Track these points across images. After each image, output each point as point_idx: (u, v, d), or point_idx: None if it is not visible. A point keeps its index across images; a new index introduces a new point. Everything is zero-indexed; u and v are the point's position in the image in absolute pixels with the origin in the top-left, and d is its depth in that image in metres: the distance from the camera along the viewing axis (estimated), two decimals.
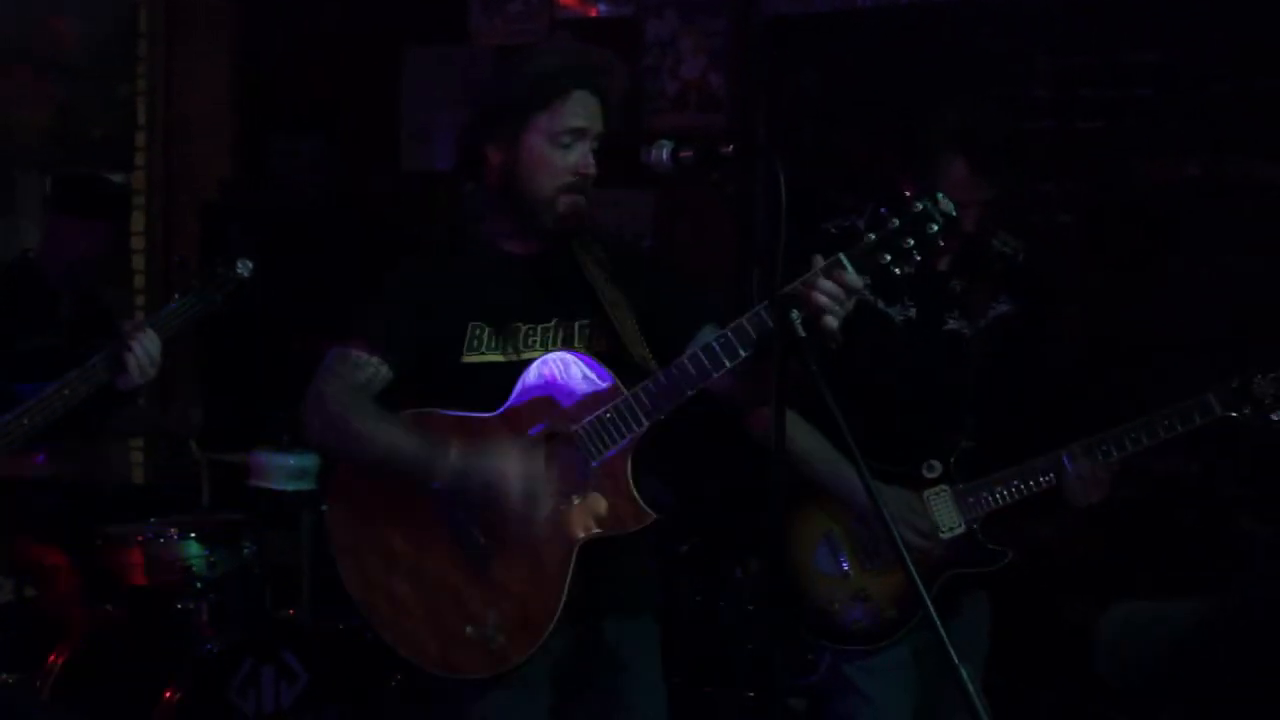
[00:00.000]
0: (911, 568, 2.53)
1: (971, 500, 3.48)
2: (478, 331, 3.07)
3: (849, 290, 2.79)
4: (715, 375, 2.94)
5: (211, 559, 4.55)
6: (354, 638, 4.55)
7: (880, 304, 3.49)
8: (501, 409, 3.04)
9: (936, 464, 3.50)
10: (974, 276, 3.56)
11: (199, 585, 4.51)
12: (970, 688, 2.40)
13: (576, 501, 3.03)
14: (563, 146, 3.02)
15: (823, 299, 2.76)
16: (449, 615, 3.04)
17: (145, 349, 3.46)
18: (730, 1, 5.68)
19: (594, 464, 3.03)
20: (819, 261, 2.81)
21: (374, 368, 3.02)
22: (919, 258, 2.85)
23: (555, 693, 3.14)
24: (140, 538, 4.54)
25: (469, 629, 3.02)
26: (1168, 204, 4.91)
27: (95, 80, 6.77)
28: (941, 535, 3.47)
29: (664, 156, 2.90)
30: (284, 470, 4.76)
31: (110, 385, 3.45)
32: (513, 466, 2.94)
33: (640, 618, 3.24)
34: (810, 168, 5.21)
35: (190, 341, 6.28)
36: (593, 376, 3.07)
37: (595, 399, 3.05)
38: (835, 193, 4.95)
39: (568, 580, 3.02)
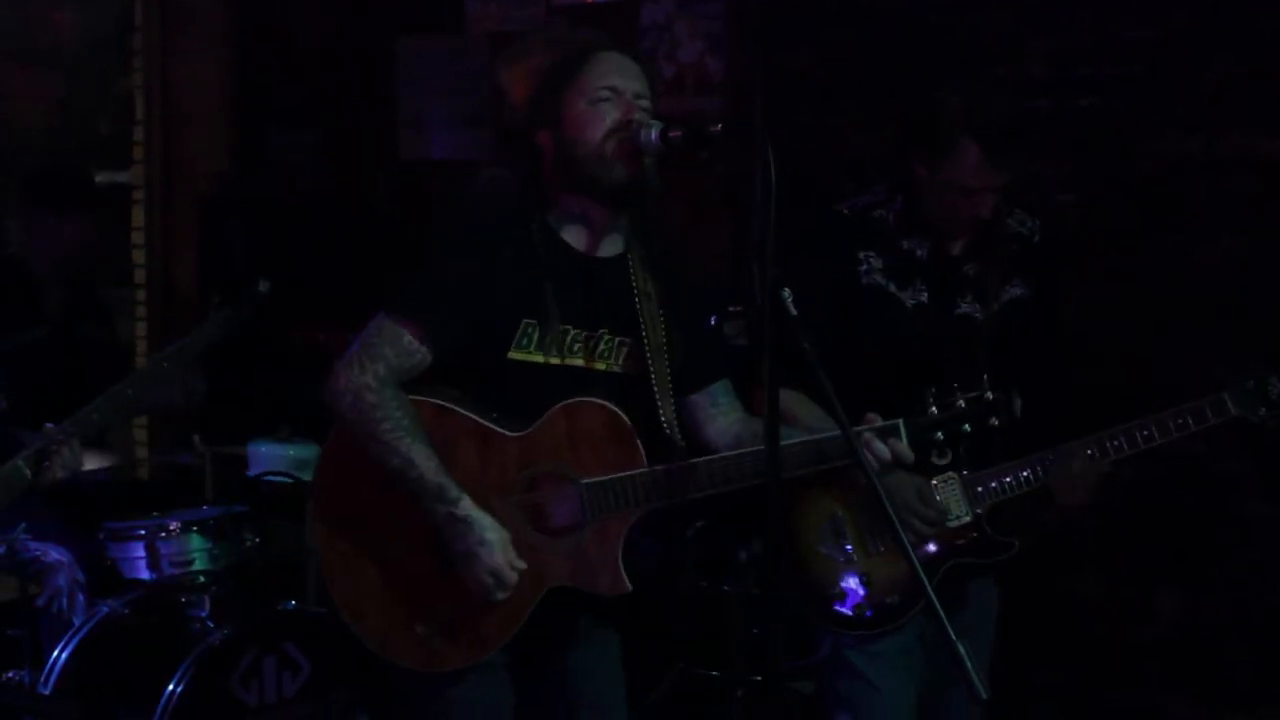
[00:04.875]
0: (913, 555, 2.53)
1: (980, 489, 3.41)
2: (529, 329, 3.01)
3: (898, 460, 2.96)
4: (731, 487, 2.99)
5: (214, 552, 4.53)
6: None
7: (892, 287, 3.44)
8: (524, 432, 2.99)
9: (947, 450, 3.46)
10: (988, 260, 3.50)
11: (202, 578, 4.50)
12: (968, 664, 2.39)
13: (561, 548, 3.00)
14: (602, 101, 2.98)
15: (870, 460, 2.90)
16: (403, 603, 3.01)
17: (67, 459, 3.44)
18: None
19: (588, 520, 3.00)
20: (876, 420, 2.96)
21: (421, 356, 2.97)
22: (969, 444, 3.07)
23: (511, 668, 3.11)
24: (143, 531, 4.53)
25: (419, 626, 3.00)
26: (1167, 182, 4.87)
27: (95, 75, 6.78)
28: (949, 523, 3.41)
29: (653, 137, 2.90)
30: (284, 460, 4.76)
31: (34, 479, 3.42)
32: (494, 559, 2.91)
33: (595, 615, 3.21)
34: (806, 150, 5.17)
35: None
36: (621, 438, 3.03)
37: (613, 461, 3.02)
38: (832, 175, 4.95)
39: (527, 616, 3.00)
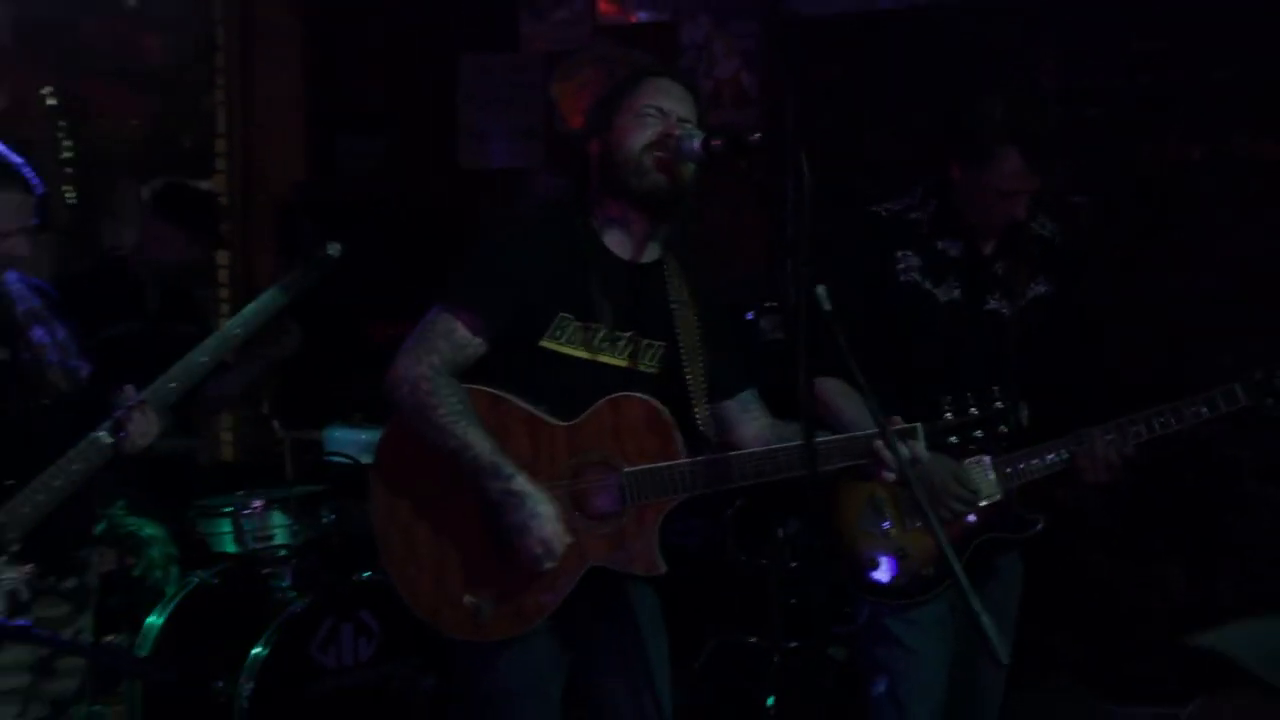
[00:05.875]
0: (941, 534, 2.54)
1: (1009, 470, 3.39)
2: (563, 322, 3.00)
3: (915, 460, 2.91)
4: (766, 479, 2.98)
5: (294, 528, 4.57)
6: None
7: (927, 284, 3.42)
8: (571, 423, 2.99)
9: (978, 434, 3.45)
10: (1015, 260, 3.48)
11: (283, 552, 4.53)
12: (990, 632, 2.39)
13: (601, 530, 3.00)
14: (648, 116, 2.98)
15: (890, 458, 2.88)
16: (454, 577, 3.00)
17: (140, 425, 3.35)
18: (760, 5, 5.64)
19: (628, 506, 3.00)
20: (898, 422, 2.91)
21: (475, 347, 2.97)
22: (980, 450, 3.04)
23: (566, 640, 3.11)
24: (229, 509, 4.57)
25: (467, 597, 2.99)
26: (1174, 184, 4.84)
27: (181, 93, 6.81)
28: (980, 502, 3.40)
29: (695, 146, 2.89)
30: (358, 444, 4.77)
31: (116, 447, 3.35)
32: (545, 530, 2.89)
33: (642, 590, 3.18)
34: (833, 157, 5.16)
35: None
36: (661, 431, 3.02)
37: (653, 452, 3.01)
38: (857, 179, 4.93)
39: (568, 592, 2.99)
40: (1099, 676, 4.96)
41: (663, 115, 2.99)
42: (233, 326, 3.63)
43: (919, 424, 2.96)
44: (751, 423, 3.17)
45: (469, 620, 3.00)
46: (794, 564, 4.78)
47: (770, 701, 4.77)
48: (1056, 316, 3.53)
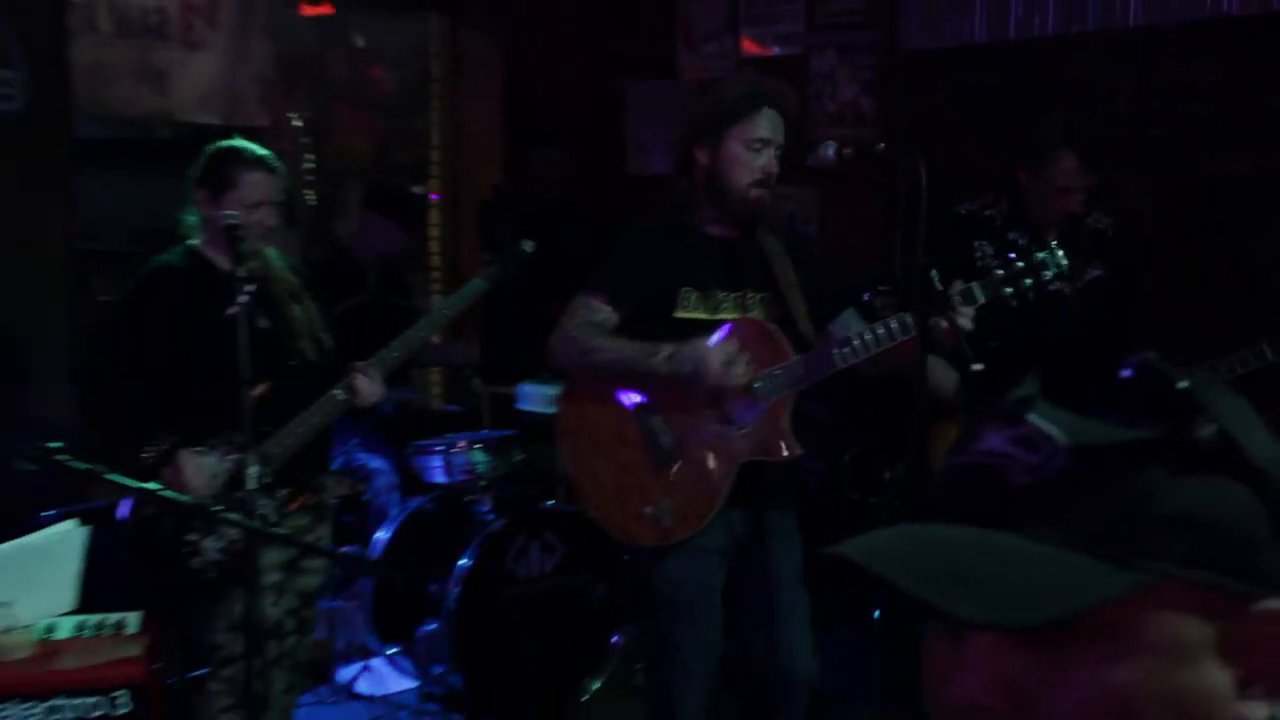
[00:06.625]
0: None
1: None
2: (687, 294, 3.15)
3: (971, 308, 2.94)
4: (861, 360, 3.04)
5: (493, 464, 4.66)
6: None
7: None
8: None
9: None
10: (1074, 248, 3.51)
11: (483, 483, 4.63)
12: None
13: (743, 431, 3.11)
14: (754, 151, 3.10)
15: (957, 318, 2.94)
16: (633, 496, 3.13)
17: (366, 386, 3.44)
18: (878, 40, 5.70)
19: (763, 406, 3.10)
20: (958, 285, 2.96)
21: (606, 314, 3.14)
22: (1030, 297, 3.00)
23: (726, 555, 3.20)
24: (440, 448, 4.69)
25: (647, 509, 3.10)
26: (1223, 193, 4.82)
27: (401, 115, 7.02)
28: None
29: (829, 153, 3.03)
30: (544, 397, 4.92)
31: (348, 402, 3.46)
32: (713, 357, 3.02)
33: (785, 513, 3.28)
34: (938, 170, 5.18)
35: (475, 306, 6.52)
36: (773, 341, 3.14)
37: (769, 358, 3.12)
38: (959, 189, 4.97)
39: (727, 488, 3.10)
40: None
41: (766, 146, 3.11)
42: (442, 308, 3.79)
43: (974, 283, 2.99)
44: (851, 330, 3.23)
45: (655, 528, 3.10)
46: (897, 503, 4.84)
47: (876, 614, 4.84)
48: (1110, 297, 3.57)
